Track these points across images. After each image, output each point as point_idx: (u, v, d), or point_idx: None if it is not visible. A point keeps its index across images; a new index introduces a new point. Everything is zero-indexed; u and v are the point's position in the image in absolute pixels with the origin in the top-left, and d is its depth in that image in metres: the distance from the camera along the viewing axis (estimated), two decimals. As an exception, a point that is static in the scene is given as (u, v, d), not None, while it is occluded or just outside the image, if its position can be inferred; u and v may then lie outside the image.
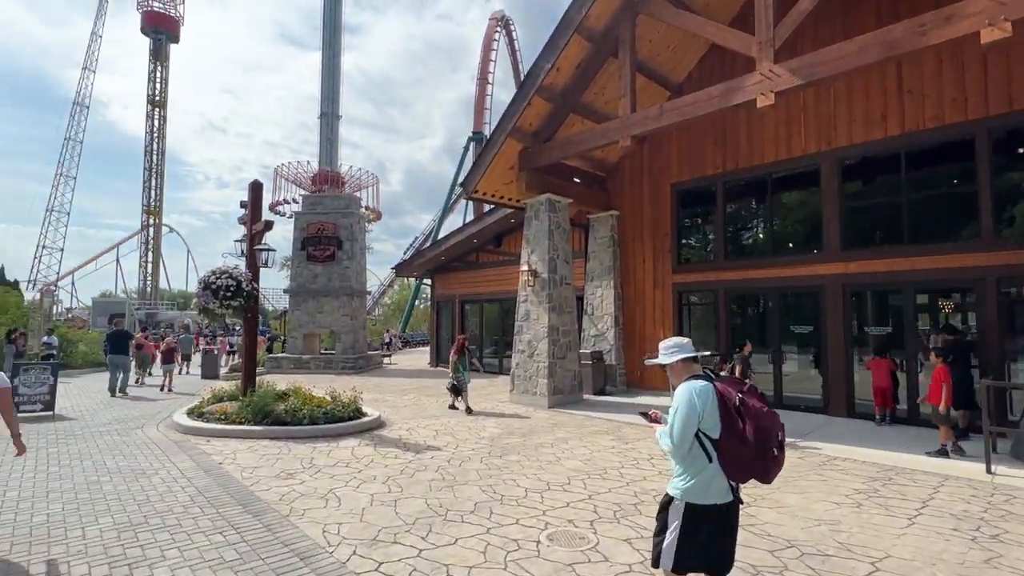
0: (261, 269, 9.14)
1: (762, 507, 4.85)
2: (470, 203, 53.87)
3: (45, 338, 16.78)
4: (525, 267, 11.33)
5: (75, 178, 54.02)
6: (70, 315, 37.17)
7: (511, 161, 11.27)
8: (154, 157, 51.04)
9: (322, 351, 19.60)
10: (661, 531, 2.81)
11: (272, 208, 22.68)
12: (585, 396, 11.60)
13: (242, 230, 9.95)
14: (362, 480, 5.67)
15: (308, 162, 23.21)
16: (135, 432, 8.12)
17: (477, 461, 6.48)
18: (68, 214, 54.51)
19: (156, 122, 51.58)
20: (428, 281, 20.53)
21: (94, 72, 54.00)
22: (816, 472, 6.07)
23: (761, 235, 11.02)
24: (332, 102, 21.84)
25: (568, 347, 11.26)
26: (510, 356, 15.98)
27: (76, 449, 6.97)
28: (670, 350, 2.95)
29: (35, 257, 53.58)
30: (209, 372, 16.77)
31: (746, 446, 2.61)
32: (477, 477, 5.81)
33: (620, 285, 12.89)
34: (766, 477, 2.67)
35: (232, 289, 8.58)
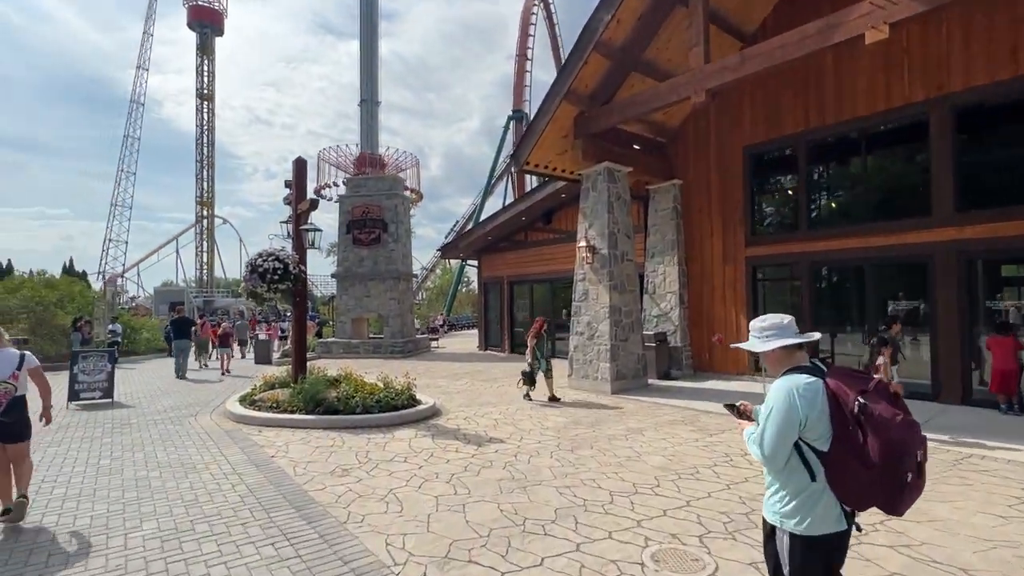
0: (308, 251, 8.68)
1: (908, 521, 3.95)
2: (511, 186, 53.03)
3: (110, 326, 17.22)
4: (583, 243, 10.48)
5: (135, 174, 56.26)
6: (134, 304, 38.91)
7: (565, 128, 10.37)
8: (204, 149, 52.47)
9: (370, 336, 19.42)
10: (776, 573, 2.08)
11: (316, 192, 22.71)
12: (649, 381, 10.74)
13: (288, 211, 9.52)
14: (424, 478, 5.08)
15: (347, 146, 23.03)
16: (188, 421, 7.87)
17: (547, 456, 5.80)
18: (130, 208, 56.92)
19: (205, 115, 52.91)
20: (474, 263, 19.96)
21: (147, 71, 55.70)
22: (955, 473, 5.07)
23: (853, 199, 9.74)
24: (371, 89, 21.65)
25: (631, 328, 10.40)
26: (563, 339, 15.26)
27: (129, 440, 6.72)
28: (765, 333, 2.15)
29: (103, 250, 56.48)
30: (262, 358, 16.82)
31: (866, 466, 1.85)
32: (551, 476, 5.13)
33: (685, 261, 11.86)
34: (895, 508, 1.88)
35: (279, 272, 8.15)
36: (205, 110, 52.59)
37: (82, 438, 6.82)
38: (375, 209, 18.42)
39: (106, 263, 56.71)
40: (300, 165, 8.94)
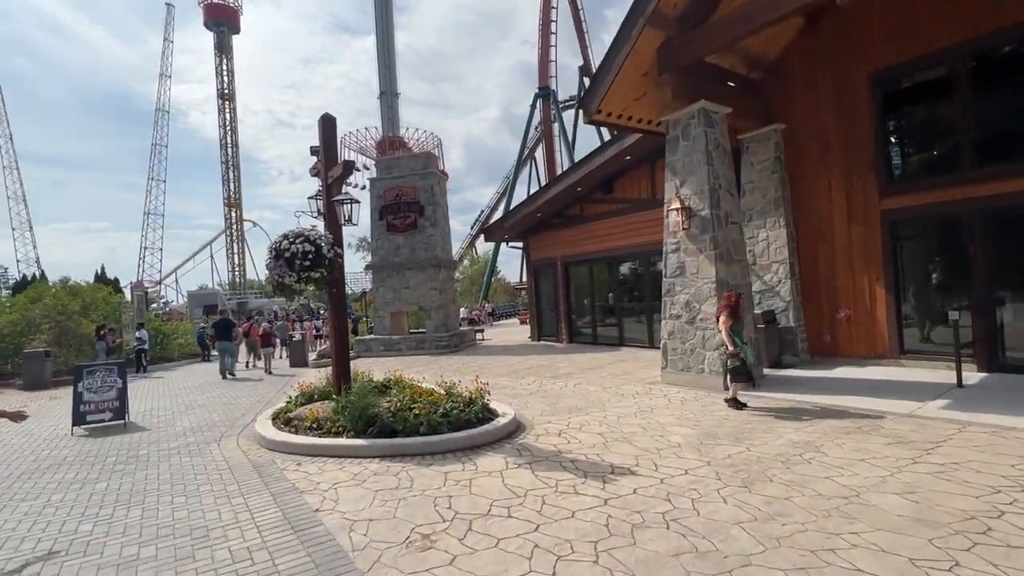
0: (343, 227, 6.92)
1: None
2: (535, 172, 50.79)
3: (136, 333, 16.01)
4: (674, 205, 8.45)
5: (165, 181, 56.23)
6: (167, 308, 38.44)
7: (645, 63, 8.32)
8: (228, 150, 51.80)
9: (410, 331, 17.80)
10: None
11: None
12: (764, 371, 8.70)
13: (317, 184, 7.78)
14: (553, 552, 3.24)
15: (367, 129, 21.82)
16: (210, 449, 6.24)
17: (717, 499, 3.90)
18: (163, 216, 57.14)
19: (227, 115, 52.18)
20: (517, 245, 18.06)
21: (170, 78, 55.32)
22: None
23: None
24: (389, 81, 20.60)
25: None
26: (638, 321, 13.29)
27: (130, 484, 5.08)
28: None
29: (139, 258, 56.85)
30: (297, 359, 15.36)
31: None
32: (753, 544, 3.22)
33: (793, 222, 9.70)
34: None
35: (311, 256, 6.41)
36: (227, 110, 51.88)
37: (71, 482, 5.22)
38: (409, 191, 16.68)
39: (143, 271, 57.17)
40: (327, 123, 7.16)
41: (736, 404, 6.62)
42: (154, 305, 41.83)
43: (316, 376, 9.80)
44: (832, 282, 9.31)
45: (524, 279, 62.77)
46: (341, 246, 7.14)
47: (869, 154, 8.73)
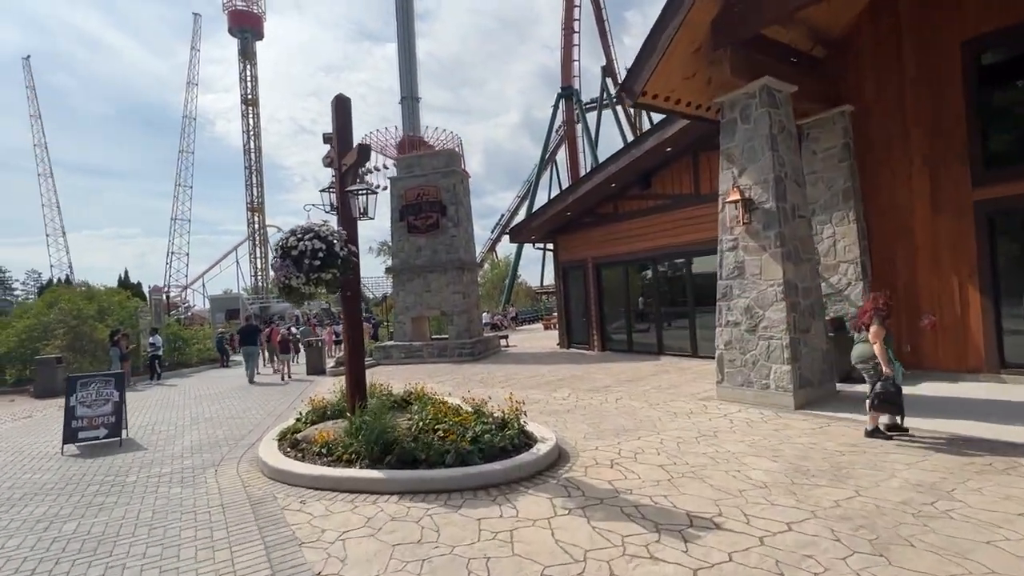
0: (359, 221, 6.07)
1: None
2: (556, 176, 49.69)
3: (150, 339, 15.50)
4: (733, 196, 7.41)
5: (191, 187, 57.11)
6: (189, 313, 38.46)
7: (697, 39, 7.32)
8: (252, 155, 52.07)
9: (432, 336, 16.99)
10: None
11: (363, 179, 21.24)
12: (836, 386, 7.59)
13: (330, 176, 6.97)
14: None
15: (388, 128, 21.25)
16: (207, 476, 5.42)
17: (843, 571, 2.88)
18: (189, 221, 57.77)
19: (250, 120, 52.48)
20: (541, 246, 17.13)
21: (196, 86, 55.96)
22: None
23: None
24: (410, 85, 20.55)
25: (811, 313, 7.28)
26: (679, 328, 12.23)
27: (104, 524, 4.27)
28: None
29: (166, 263, 57.54)
30: (315, 366, 14.65)
31: None
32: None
33: (864, 216, 8.56)
34: None
35: (321, 254, 5.57)
36: (250, 115, 52.18)
37: (38, 520, 4.44)
38: (431, 191, 15.89)
39: (170, 276, 57.84)
40: (341, 106, 6.33)
41: (880, 434, 5.33)
42: (177, 310, 42.05)
43: (332, 386, 9.06)
44: (913, 284, 8.14)
45: (544, 283, 61.84)
46: (356, 244, 6.29)
47: (960, 136, 7.57)
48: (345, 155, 6.09)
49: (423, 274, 15.98)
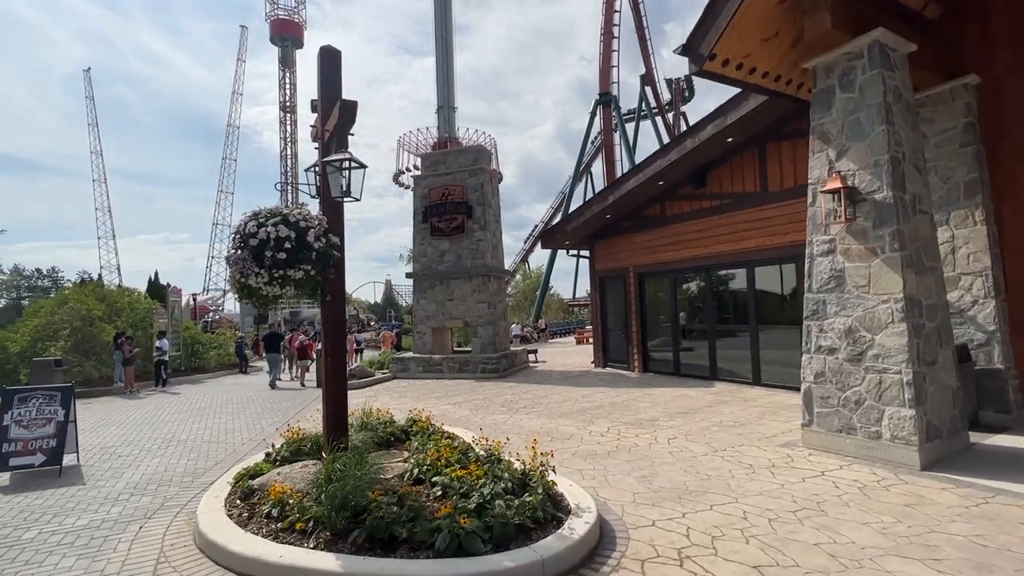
0: (343, 202, 4.68)
1: None
2: (592, 188, 47.94)
3: (156, 342, 14.59)
4: (831, 185, 5.70)
5: (233, 194, 57.91)
6: (216, 317, 38.30)
7: (781, -12, 5.70)
8: (288, 161, 52.36)
9: (454, 349, 15.59)
10: None
11: (396, 179, 21.19)
12: (968, 437, 5.71)
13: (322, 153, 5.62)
14: None
15: (427, 129, 20.66)
16: (123, 539, 4.05)
17: None
18: (230, 226, 58.77)
19: (288, 127, 52.90)
20: (575, 253, 15.56)
21: (241, 95, 57.31)
22: None
23: None
24: (447, 95, 20.70)
25: (939, 339, 5.47)
26: (737, 349, 10.44)
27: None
28: None
29: (207, 267, 58.58)
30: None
31: None
32: None
33: (994, 216, 6.68)
34: None
35: (289, 245, 4.20)
36: (288, 122, 52.60)
37: None
38: (456, 190, 14.57)
39: (209, 279, 58.76)
40: (328, 58, 4.97)
41: None
42: (208, 314, 42.13)
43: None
44: (1066, 305, 6.20)
45: (576, 296, 59.84)
46: (341, 233, 4.90)
47: None
48: (328, 117, 4.72)
49: (446, 281, 14.63)
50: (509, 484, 3.99)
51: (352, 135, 4.82)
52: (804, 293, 6.14)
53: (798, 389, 8.56)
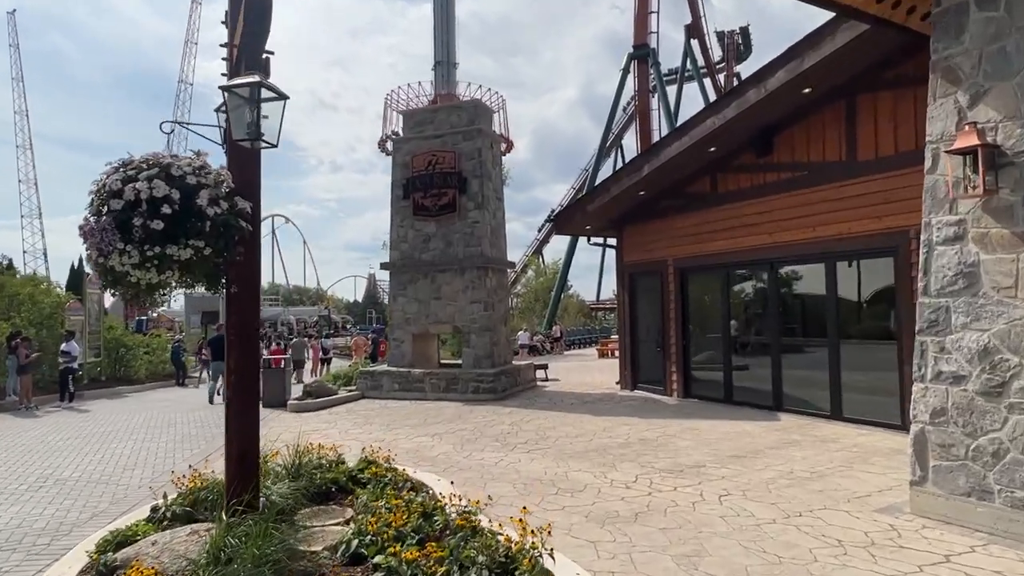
0: (255, 147, 3.94)
1: None
2: (622, 163, 47.06)
3: (63, 345, 14.03)
4: (964, 142, 4.87)
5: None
6: (154, 314, 37.99)
7: None
8: (249, 125, 51.83)
9: (442, 362, 14.98)
10: None
11: (381, 146, 21.54)
12: None
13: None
14: None
15: (420, 84, 20.56)
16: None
17: None
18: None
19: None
20: (599, 241, 14.81)
21: (196, 45, 57.01)
22: None
23: None
24: (447, 49, 20.47)
25: (1118, 367, 4.60)
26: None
27: None
28: None
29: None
30: (274, 397, 12.74)
31: None
32: None
33: None
34: None
35: (170, 209, 3.52)
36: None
37: None
38: (446, 157, 13.90)
39: (151, 267, 58.49)
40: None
41: None
42: (150, 311, 41.83)
43: (282, 432, 7.06)
44: None
45: (600, 297, 59.15)
46: (254, 197, 4.16)
47: None
48: (237, 29, 3.98)
49: (431, 274, 13.98)
50: (485, 569, 3.27)
51: (271, 54, 4.08)
52: (917, 297, 5.32)
53: (897, 427, 7.94)
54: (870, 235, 8.45)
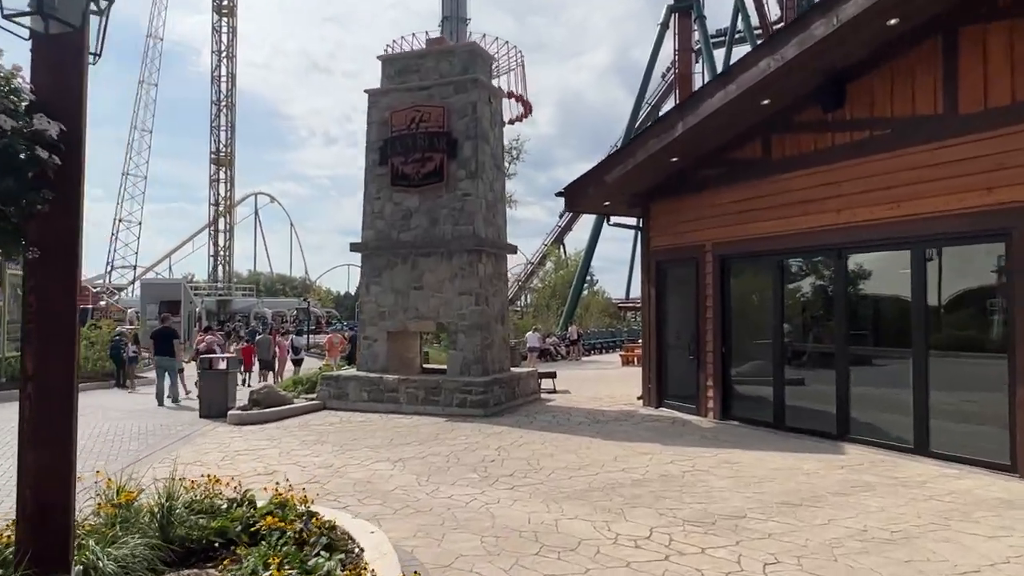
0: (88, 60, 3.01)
1: None
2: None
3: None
4: None
5: (151, 132, 56.90)
6: (101, 304, 37.65)
7: None
8: (221, 85, 51.59)
9: (424, 366, 14.27)
10: None
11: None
12: None
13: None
14: None
15: (426, 33, 19.69)
16: None
17: None
18: (145, 179, 57.95)
19: (225, 37, 52.15)
20: (623, 220, 13.89)
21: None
22: None
23: None
24: (457, 2, 18.96)
25: None
26: (888, 386, 8.57)
27: None
28: None
29: (112, 234, 57.74)
30: (213, 405, 12.01)
31: None
32: None
33: None
34: None
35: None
36: (224, 29, 51.82)
37: None
38: (434, 114, 13.07)
39: (115, 251, 58.26)
40: None
41: None
42: (104, 300, 41.61)
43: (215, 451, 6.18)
44: None
45: (630, 294, 58.23)
46: (74, 113, 3.21)
47: None
48: None
49: (412, 258, 13.25)
50: None
51: None
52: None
53: (1006, 469, 7.03)
54: (975, 213, 7.52)
